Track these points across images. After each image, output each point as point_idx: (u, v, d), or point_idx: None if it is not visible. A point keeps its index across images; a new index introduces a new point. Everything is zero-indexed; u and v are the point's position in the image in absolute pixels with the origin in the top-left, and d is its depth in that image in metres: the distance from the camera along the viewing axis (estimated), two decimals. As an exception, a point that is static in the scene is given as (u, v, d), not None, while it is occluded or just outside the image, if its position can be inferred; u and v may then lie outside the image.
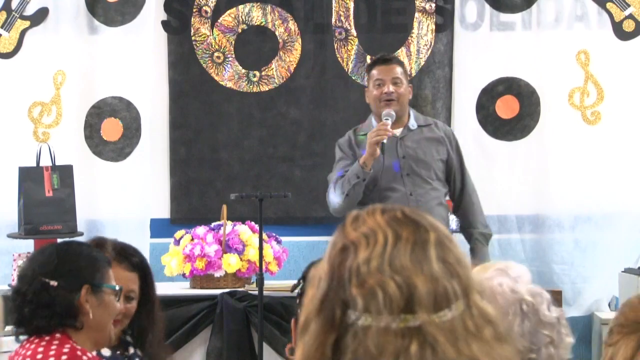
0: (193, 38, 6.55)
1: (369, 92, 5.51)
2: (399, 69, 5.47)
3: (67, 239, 3.09)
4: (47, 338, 2.79)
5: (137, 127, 6.51)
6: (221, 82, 6.56)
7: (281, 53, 6.57)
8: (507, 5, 6.51)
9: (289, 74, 6.57)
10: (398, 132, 5.44)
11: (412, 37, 6.56)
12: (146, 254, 6.37)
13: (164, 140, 6.57)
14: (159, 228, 6.45)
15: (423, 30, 6.56)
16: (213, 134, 6.56)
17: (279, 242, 5.95)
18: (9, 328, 3.30)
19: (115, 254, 3.25)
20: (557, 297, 3.98)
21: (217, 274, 5.73)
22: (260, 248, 5.39)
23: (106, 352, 3.16)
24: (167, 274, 5.83)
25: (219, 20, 6.56)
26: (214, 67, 6.56)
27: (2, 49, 6.45)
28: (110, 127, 6.50)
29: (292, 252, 6.15)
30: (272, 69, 6.57)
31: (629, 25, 6.53)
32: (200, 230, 5.84)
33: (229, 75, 6.57)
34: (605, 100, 6.50)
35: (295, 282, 5.53)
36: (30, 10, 6.45)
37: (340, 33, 6.56)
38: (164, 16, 6.55)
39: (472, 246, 5.51)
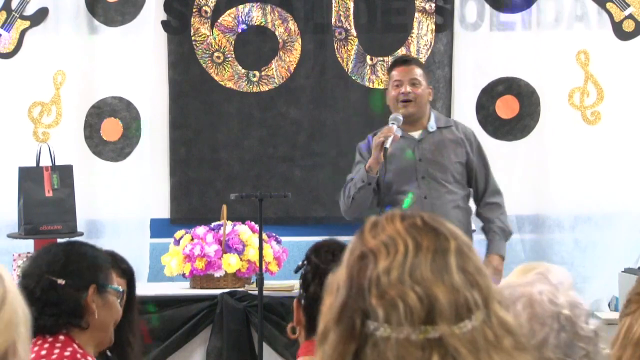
0: (193, 38, 6.55)
1: (388, 94, 5.47)
2: (418, 70, 5.44)
3: (69, 239, 3.07)
4: (50, 340, 2.78)
5: (137, 127, 6.51)
6: (221, 82, 6.56)
7: (281, 53, 6.57)
8: (507, 5, 6.51)
9: (289, 74, 6.57)
10: (416, 134, 5.40)
11: (412, 37, 6.56)
12: (146, 254, 6.41)
13: (164, 140, 6.57)
14: (159, 228, 6.45)
15: (423, 30, 6.56)
16: (213, 134, 6.56)
17: (279, 242, 5.95)
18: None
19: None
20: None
21: (217, 274, 5.73)
22: (260, 248, 5.39)
23: None
24: (167, 274, 5.83)
25: (218, 20, 6.56)
26: (214, 67, 6.56)
27: (2, 49, 6.45)
28: (110, 127, 6.50)
29: (292, 252, 6.14)
30: (272, 69, 6.57)
31: (628, 25, 6.53)
32: (200, 230, 5.84)
33: (229, 75, 6.57)
34: (605, 100, 6.50)
35: (294, 282, 5.49)
36: (30, 10, 6.45)
37: (340, 33, 6.56)
38: (164, 16, 6.55)
39: (490, 237, 5.46)
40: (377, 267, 1.44)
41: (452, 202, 5.34)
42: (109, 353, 3.27)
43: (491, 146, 6.48)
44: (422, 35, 6.55)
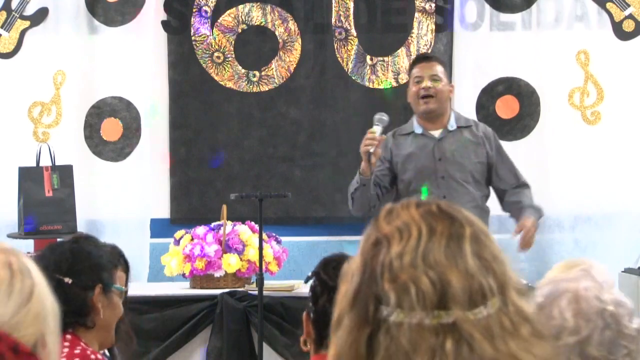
0: (193, 38, 6.55)
1: (409, 91, 5.42)
2: (439, 67, 5.37)
3: (77, 237, 3.07)
4: None
5: (137, 127, 6.51)
6: (221, 82, 6.56)
7: (281, 53, 6.57)
8: (507, 5, 6.52)
9: (289, 74, 6.57)
10: (437, 133, 5.36)
11: (412, 37, 6.56)
12: (146, 254, 6.41)
13: (164, 140, 6.57)
14: (159, 228, 6.46)
15: (423, 30, 6.56)
16: (213, 134, 6.56)
17: (278, 242, 5.95)
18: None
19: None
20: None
21: (217, 274, 5.73)
22: (260, 248, 5.39)
23: None
24: (167, 274, 5.83)
25: (218, 20, 6.56)
26: (214, 67, 6.56)
27: (2, 49, 6.45)
28: (110, 127, 6.51)
29: (292, 252, 6.15)
30: (272, 69, 6.57)
31: (628, 25, 6.53)
32: (200, 230, 5.84)
33: (229, 75, 6.58)
34: (605, 100, 6.51)
35: (294, 282, 5.50)
36: (30, 10, 6.45)
37: (340, 33, 6.56)
38: (164, 16, 6.55)
39: (521, 212, 5.34)
40: (390, 252, 1.43)
41: (471, 202, 5.29)
42: (107, 352, 3.28)
43: (491, 146, 6.50)
44: (422, 35, 6.56)
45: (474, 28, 6.55)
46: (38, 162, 5.92)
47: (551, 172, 6.46)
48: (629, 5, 6.52)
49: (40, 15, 6.45)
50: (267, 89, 6.57)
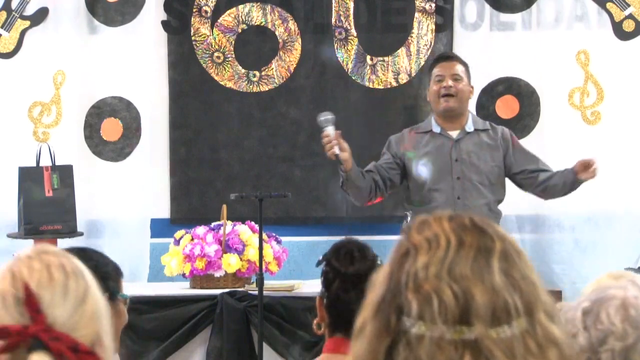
0: (193, 38, 6.55)
1: (429, 89, 5.40)
2: (460, 67, 5.35)
3: (80, 246, 3.08)
4: None
5: (137, 127, 6.51)
6: (221, 82, 6.56)
7: (281, 53, 6.57)
8: (507, 5, 6.52)
9: (289, 74, 6.57)
10: (455, 133, 5.33)
11: (412, 37, 6.56)
12: (146, 254, 6.41)
13: (164, 140, 6.57)
14: (159, 228, 6.46)
15: (423, 30, 6.56)
16: (213, 134, 6.56)
17: (278, 242, 5.95)
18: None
19: None
20: (556, 297, 3.97)
21: (217, 274, 5.73)
22: (260, 248, 5.39)
23: None
24: (167, 274, 5.83)
25: (219, 20, 6.56)
26: (214, 67, 6.56)
27: (2, 49, 6.45)
28: (110, 127, 6.51)
29: (292, 252, 6.15)
30: (272, 69, 6.57)
31: (629, 25, 6.53)
32: (200, 230, 5.84)
33: (229, 75, 6.57)
34: (605, 100, 6.51)
35: (294, 282, 5.51)
36: (30, 10, 6.45)
37: (340, 33, 6.56)
38: (164, 16, 6.55)
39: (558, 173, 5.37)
40: (417, 262, 1.42)
41: (485, 206, 5.28)
42: None
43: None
44: (422, 35, 6.56)
45: (474, 28, 6.54)
46: (38, 162, 5.92)
47: (551, 172, 6.46)
48: (629, 5, 6.52)
49: (40, 15, 6.45)
50: (267, 89, 6.57)
